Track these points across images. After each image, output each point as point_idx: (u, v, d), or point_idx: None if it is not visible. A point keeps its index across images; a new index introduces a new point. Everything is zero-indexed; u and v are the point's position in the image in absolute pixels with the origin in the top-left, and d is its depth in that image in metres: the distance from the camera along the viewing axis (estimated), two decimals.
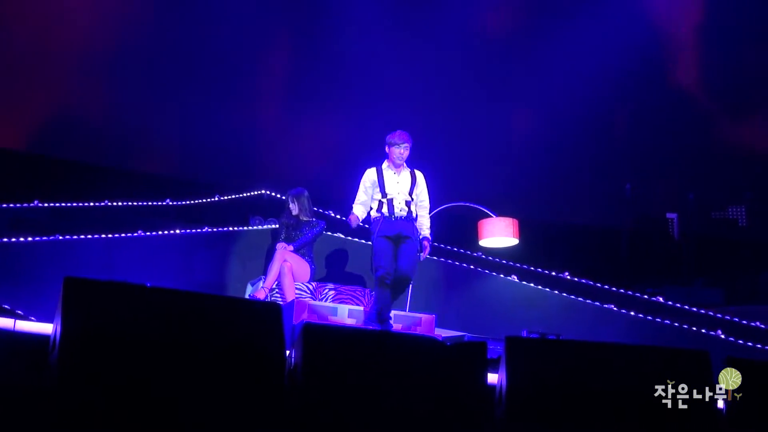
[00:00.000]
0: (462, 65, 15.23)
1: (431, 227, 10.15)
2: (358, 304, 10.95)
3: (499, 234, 12.07)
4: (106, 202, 12.35)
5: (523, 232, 12.08)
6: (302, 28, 15.25)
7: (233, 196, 13.38)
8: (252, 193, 13.53)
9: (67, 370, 4.53)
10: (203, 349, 4.84)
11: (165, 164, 13.59)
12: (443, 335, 10.61)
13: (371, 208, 9.93)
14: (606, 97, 15.23)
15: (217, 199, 13.22)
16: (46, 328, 5.06)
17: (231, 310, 5.15)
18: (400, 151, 9.77)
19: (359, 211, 10.02)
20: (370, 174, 9.96)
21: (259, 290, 10.95)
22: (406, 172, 9.95)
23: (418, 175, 10.05)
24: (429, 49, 15.19)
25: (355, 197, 10.07)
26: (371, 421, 4.95)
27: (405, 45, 15.29)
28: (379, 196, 9.88)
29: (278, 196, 13.45)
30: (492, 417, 5.29)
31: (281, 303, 10.75)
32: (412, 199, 9.85)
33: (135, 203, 12.61)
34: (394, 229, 9.67)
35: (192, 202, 13.04)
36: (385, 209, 9.78)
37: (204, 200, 13.14)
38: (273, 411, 4.83)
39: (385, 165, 9.95)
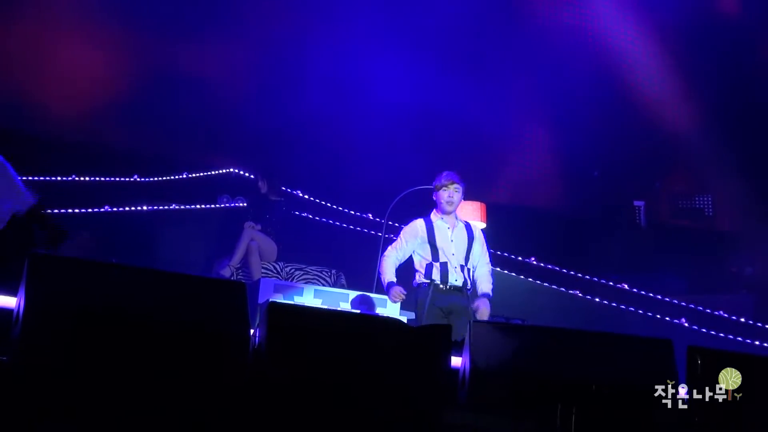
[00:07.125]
0: (435, 47, 15.18)
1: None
2: (324, 285, 10.97)
3: (466, 217, 12.02)
4: (73, 177, 12.27)
5: (489, 217, 12.08)
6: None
7: (201, 174, 13.32)
8: (220, 171, 13.49)
9: (30, 344, 4.53)
10: (167, 326, 4.82)
11: (132, 140, 13.47)
12: (409, 318, 10.64)
13: (416, 272, 8.17)
14: (574, 85, 15.24)
15: (185, 176, 13.16)
16: (9, 301, 5.03)
17: (196, 288, 5.14)
18: (449, 193, 8.15)
19: (390, 263, 8.19)
20: (418, 228, 8.21)
21: (225, 268, 10.94)
22: (461, 228, 8.31)
23: (476, 230, 8.40)
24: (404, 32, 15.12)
25: (390, 244, 8.38)
26: (334, 401, 4.96)
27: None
28: (427, 256, 8.13)
29: (247, 174, 13.41)
30: (455, 399, 5.31)
31: (247, 282, 10.75)
32: (467, 263, 8.19)
33: (102, 179, 12.53)
34: (446, 301, 8.01)
35: (160, 178, 12.96)
36: (436, 275, 8.02)
37: (172, 177, 13.06)
38: (236, 390, 4.83)
39: (436, 218, 8.26)
